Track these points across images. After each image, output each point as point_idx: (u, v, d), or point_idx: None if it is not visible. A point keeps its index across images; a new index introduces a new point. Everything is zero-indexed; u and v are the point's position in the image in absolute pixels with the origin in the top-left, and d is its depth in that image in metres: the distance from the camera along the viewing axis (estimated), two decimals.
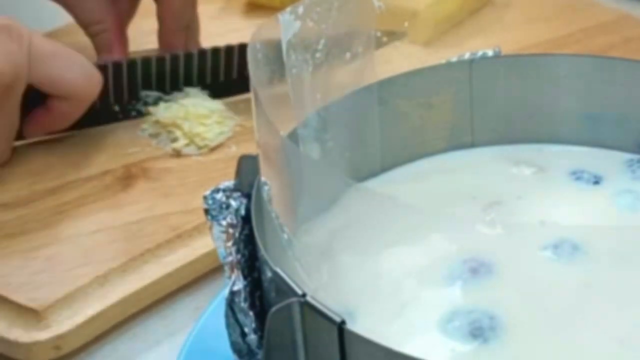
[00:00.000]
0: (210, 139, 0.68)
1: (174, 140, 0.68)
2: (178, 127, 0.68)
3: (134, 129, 0.70)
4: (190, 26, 0.74)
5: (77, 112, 0.66)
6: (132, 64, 0.69)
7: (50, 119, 0.66)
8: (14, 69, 0.61)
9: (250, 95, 0.44)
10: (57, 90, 0.64)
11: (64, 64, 0.64)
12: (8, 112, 0.63)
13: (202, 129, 0.68)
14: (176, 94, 0.71)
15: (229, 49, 0.72)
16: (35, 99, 0.65)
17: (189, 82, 0.71)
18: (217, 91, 0.72)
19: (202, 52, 0.71)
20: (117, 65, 0.69)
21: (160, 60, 0.70)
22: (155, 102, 0.70)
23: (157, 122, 0.68)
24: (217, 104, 0.70)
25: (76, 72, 0.64)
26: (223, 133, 0.69)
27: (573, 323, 0.42)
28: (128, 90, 0.70)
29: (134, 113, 0.70)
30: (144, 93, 0.70)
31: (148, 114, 0.69)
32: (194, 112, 0.68)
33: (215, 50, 0.72)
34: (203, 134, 0.68)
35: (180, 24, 0.73)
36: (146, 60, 0.70)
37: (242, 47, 0.71)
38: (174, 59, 0.70)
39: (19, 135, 0.66)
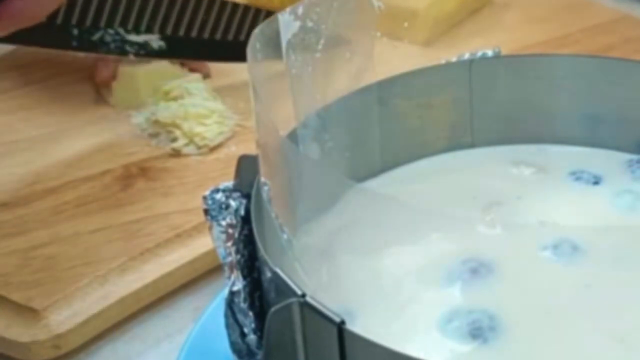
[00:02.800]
0: (210, 139, 0.68)
1: (174, 140, 0.68)
2: (177, 126, 0.68)
3: (133, 128, 0.70)
4: None
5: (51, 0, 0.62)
6: None
7: (22, 5, 0.60)
8: None
9: (242, 79, 0.44)
10: None
11: None
12: None
13: (202, 129, 0.68)
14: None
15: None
16: None
17: (138, 22, 0.70)
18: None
19: None
20: None
21: None
22: (115, 45, 0.70)
23: (156, 122, 0.68)
24: (217, 104, 0.70)
25: None
26: (223, 133, 0.69)
27: (573, 323, 0.42)
28: (94, 15, 0.69)
29: (89, 42, 0.69)
30: (111, 30, 0.69)
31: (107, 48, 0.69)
32: (194, 112, 0.68)
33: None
34: (203, 133, 0.68)
35: None
36: None
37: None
38: None
39: None
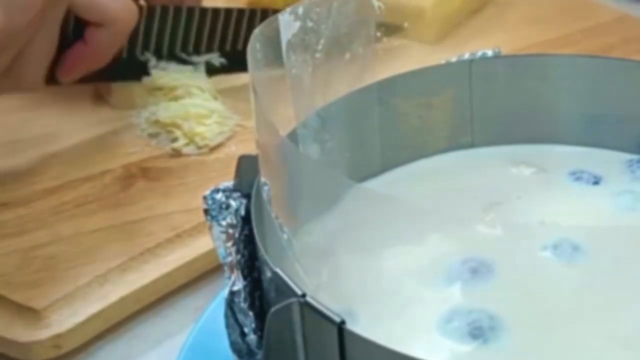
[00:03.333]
0: (210, 139, 0.68)
1: (174, 140, 0.68)
2: (178, 126, 0.68)
3: (133, 128, 0.70)
4: None
5: (114, 41, 0.65)
6: (165, 9, 0.70)
7: (88, 52, 0.65)
8: None
9: (242, 80, 0.44)
10: (96, 13, 0.64)
11: None
12: (49, 28, 0.62)
13: (202, 129, 0.68)
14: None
15: (240, 12, 0.72)
16: (71, 41, 0.65)
17: (198, 42, 0.71)
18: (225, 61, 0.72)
19: (215, 11, 0.72)
20: (150, 8, 0.69)
21: (190, 11, 0.70)
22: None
23: (156, 122, 0.68)
24: (217, 104, 0.70)
25: None
26: (223, 133, 0.69)
27: (573, 323, 0.42)
28: (156, 40, 0.70)
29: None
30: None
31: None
32: (194, 112, 0.68)
33: (228, 11, 0.72)
34: (203, 133, 0.68)
35: None
36: (177, 9, 0.70)
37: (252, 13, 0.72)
38: (190, 11, 0.71)
39: (54, 80, 0.66)
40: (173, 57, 0.71)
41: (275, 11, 0.69)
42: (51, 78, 0.66)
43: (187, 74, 0.71)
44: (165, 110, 0.69)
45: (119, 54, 0.67)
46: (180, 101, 0.69)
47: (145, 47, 0.70)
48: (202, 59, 0.72)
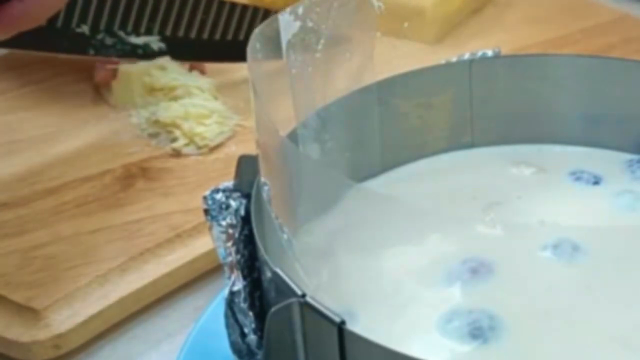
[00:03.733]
0: (210, 139, 0.68)
1: (174, 140, 0.68)
2: (178, 127, 0.68)
3: (133, 128, 0.70)
4: None
5: (51, 3, 0.62)
6: None
7: (23, 9, 0.60)
8: None
9: (242, 79, 0.44)
10: None
11: None
12: None
13: (202, 129, 0.68)
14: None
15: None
16: None
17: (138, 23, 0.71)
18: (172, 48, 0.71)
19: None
20: None
21: None
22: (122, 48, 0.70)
23: (156, 122, 0.68)
24: (217, 104, 0.70)
25: None
26: (223, 133, 0.69)
27: (573, 323, 0.42)
28: (94, 16, 0.69)
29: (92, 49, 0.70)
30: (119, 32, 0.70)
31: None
32: (194, 112, 0.68)
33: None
34: (203, 133, 0.68)
35: None
36: None
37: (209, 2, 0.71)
38: None
39: None
40: (110, 34, 0.70)
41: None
42: None
43: (187, 74, 0.71)
44: (165, 110, 0.69)
45: (53, 22, 0.66)
46: (180, 101, 0.69)
47: (82, 20, 0.69)
48: (140, 40, 0.71)
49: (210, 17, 0.71)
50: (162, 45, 0.72)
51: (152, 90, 0.70)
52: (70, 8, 0.67)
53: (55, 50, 0.71)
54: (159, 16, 0.71)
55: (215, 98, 0.71)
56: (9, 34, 0.62)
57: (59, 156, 0.67)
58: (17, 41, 0.64)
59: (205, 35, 0.72)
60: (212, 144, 0.68)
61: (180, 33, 0.71)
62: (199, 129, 0.68)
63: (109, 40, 0.70)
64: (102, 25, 0.70)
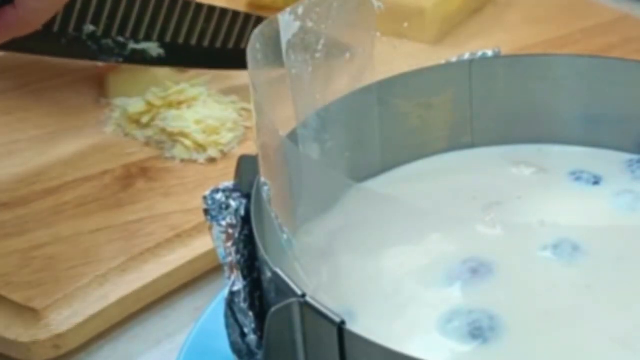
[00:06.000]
0: (224, 145, 0.67)
1: (185, 149, 0.67)
2: (186, 136, 0.67)
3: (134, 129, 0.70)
4: None
5: (46, 10, 0.62)
6: None
7: (17, 16, 0.60)
8: None
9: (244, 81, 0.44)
10: None
11: None
12: None
13: (216, 138, 0.67)
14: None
15: (199, 6, 0.71)
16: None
17: (149, 32, 0.70)
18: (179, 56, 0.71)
19: (173, 2, 0.70)
20: None
21: None
22: (119, 47, 0.70)
23: (163, 131, 0.68)
24: (228, 112, 0.69)
25: None
26: (237, 137, 0.68)
27: (573, 323, 0.42)
28: (92, 17, 0.69)
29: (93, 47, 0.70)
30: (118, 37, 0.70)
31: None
32: (205, 124, 0.68)
33: (186, 4, 0.71)
34: (218, 140, 0.67)
35: None
36: None
37: (211, 10, 0.71)
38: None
39: None
40: (109, 39, 0.70)
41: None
42: None
43: (196, 84, 0.71)
44: (174, 121, 0.68)
45: (50, 27, 0.66)
46: (190, 110, 0.69)
47: (80, 24, 0.69)
48: (139, 46, 0.71)
49: (211, 25, 0.71)
50: (162, 51, 0.72)
51: (150, 81, 0.70)
52: (67, 12, 0.67)
53: (52, 54, 0.71)
54: (159, 23, 0.71)
55: (225, 105, 0.70)
56: (2, 39, 0.62)
57: (59, 156, 0.67)
58: (13, 44, 0.64)
59: (206, 43, 0.72)
60: (227, 149, 0.67)
61: (180, 40, 0.71)
62: (212, 138, 0.67)
63: (107, 45, 0.70)
64: (100, 31, 0.70)
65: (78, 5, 0.68)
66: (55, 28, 0.68)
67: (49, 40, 0.68)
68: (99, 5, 0.69)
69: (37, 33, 0.63)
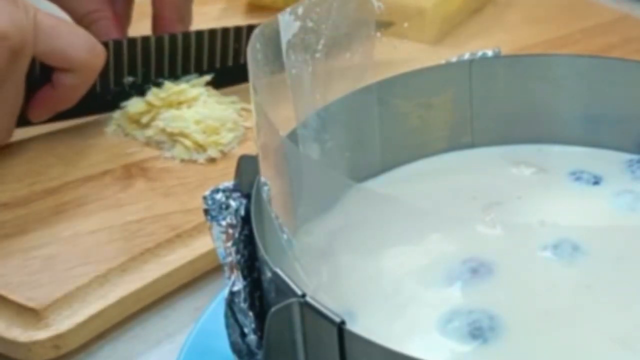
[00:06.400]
0: (224, 145, 0.67)
1: (185, 150, 0.67)
2: (186, 136, 0.67)
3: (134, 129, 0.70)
4: (184, 19, 0.74)
5: (82, 85, 0.66)
6: (132, 41, 0.70)
7: (56, 95, 0.65)
8: (21, 33, 0.61)
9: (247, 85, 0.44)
10: (62, 62, 0.64)
11: (68, 36, 0.64)
12: (14, 81, 0.63)
13: (215, 138, 0.67)
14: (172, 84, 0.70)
15: (225, 31, 0.72)
16: (38, 81, 0.65)
17: (186, 65, 0.71)
18: (215, 79, 0.72)
19: (199, 33, 0.72)
20: (117, 43, 0.69)
21: (160, 39, 0.71)
22: (155, 85, 0.70)
23: (163, 131, 0.68)
24: (228, 112, 0.69)
25: (80, 42, 0.65)
26: (237, 137, 0.68)
27: (573, 323, 0.42)
28: (128, 69, 0.70)
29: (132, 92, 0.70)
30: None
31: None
32: (205, 124, 0.68)
33: (212, 32, 0.72)
34: (218, 140, 0.67)
35: (177, 15, 0.73)
36: (145, 39, 0.70)
37: (238, 31, 0.72)
38: (173, 38, 0.71)
39: (25, 121, 0.66)
40: (150, 83, 0.71)
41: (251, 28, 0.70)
42: (21, 118, 0.66)
43: (196, 84, 0.71)
44: (174, 121, 0.68)
45: (91, 90, 0.67)
46: (190, 110, 0.69)
47: (119, 79, 0.70)
48: (181, 81, 0.72)
49: (229, 45, 0.72)
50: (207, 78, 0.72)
51: (157, 99, 0.70)
52: (104, 73, 0.68)
53: (101, 112, 0.71)
54: (192, 56, 0.72)
55: (225, 105, 0.70)
56: (44, 117, 0.65)
57: (59, 156, 0.67)
58: (60, 114, 0.67)
59: (230, 63, 0.73)
60: (226, 149, 0.67)
61: (217, 64, 0.73)
62: (213, 138, 0.67)
63: (149, 89, 0.71)
64: (139, 78, 0.71)
65: (112, 62, 0.69)
66: (98, 89, 0.69)
67: (95, 101, 0.69)
68: (132, 54, 0.70)
69: (81, 97, 0.66)
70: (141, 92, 0.70)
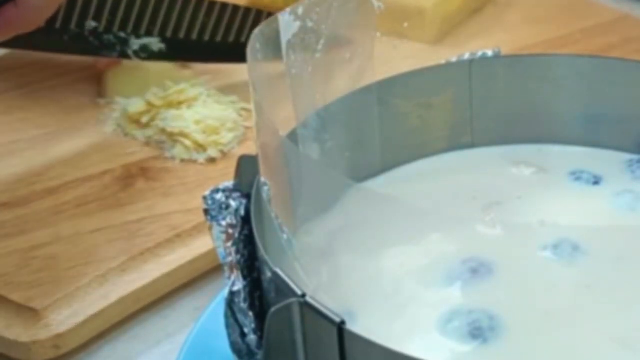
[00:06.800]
0: (224, 145, 0.67)
1: (185, 149, 0.67)
2: (186, 136, 0.67)
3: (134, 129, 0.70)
4: None
5: (45, 8, 0.62)
6: None
7: (18, 14, 0.61)
8: None
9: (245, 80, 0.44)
10: None
11: None
12: None
13: (215, 138, 0.67)
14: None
15: (199, 2, 0.72)
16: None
17: (150, 28, 0.71)
18: (172, 49, 0.72)
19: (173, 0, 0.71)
20: None
21: None
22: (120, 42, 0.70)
23: (163, 131, 0.68)
24: (228, 112, 0.69)
25: None
26: (237, 137, 0.68)
27: (573, 323, 0.42)
28: (94, 14, 0.69)
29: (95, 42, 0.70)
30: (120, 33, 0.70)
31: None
32: (205, 124, 0.68)
33: (186, 2, 0.71)
34: (218, 140, 0.67)
35: None
36: None
37: (211, 5, 0.71)
38: None
39: None
40: (110, 34, 0.70)
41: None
42: None
43: (196, 84, 0.71)
44: (174, 121, 0.68)
45: (52, 23, 0.66)
46: (190, 110, 0.69)
47: (82, 21, 0.69)
48: (141, 41, 0.71)
49: (212, 20, 0.72)
50: (163, 46, 0.72)
51: (147, 79, 0.70)
52: (69, 9, 0.67)
53: (54, 50, 0.71)
54: (160, 18, 0.71)
55: (227, 106, 0.70)
56: (4, 37, 0.62)
57: (59, 156, 0.67)
58: (15, 42, 0.64)
59: (207, 37, 0.72)
60: (227, 149, 0.67)
61: (181, 35, 0.71)
62: (212, 138, 0.67)
63: (109, 41, 0.71)
64: (102, 27, 0.70)
65: (80, 2, 0.68)
66: (58, 25, 0.68)
67: (51, 37, 0.69)
68: (101, 1, 0.70)
69: (39, 30, 0.63)
70: (99, 41, 0.69)
